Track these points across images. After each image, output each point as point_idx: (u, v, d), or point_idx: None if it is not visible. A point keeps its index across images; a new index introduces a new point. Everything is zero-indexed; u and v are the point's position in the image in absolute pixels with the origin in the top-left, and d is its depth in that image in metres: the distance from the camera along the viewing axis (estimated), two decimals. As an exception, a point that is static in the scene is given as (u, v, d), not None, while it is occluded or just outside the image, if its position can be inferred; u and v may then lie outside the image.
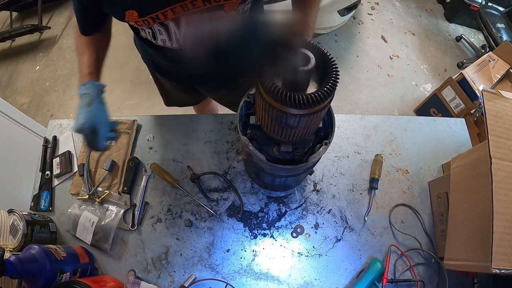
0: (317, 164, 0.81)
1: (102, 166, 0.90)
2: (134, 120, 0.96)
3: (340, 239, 0.82)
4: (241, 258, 0.80)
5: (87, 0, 0.64)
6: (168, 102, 1.19)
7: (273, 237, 0.83)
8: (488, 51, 2.03)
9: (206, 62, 0.73)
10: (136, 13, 0.59)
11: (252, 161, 0.67)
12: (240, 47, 0.68)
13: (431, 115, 2.06)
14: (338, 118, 0.95)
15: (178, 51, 0.70)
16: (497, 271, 0.53)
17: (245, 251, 0.81)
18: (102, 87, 0.69)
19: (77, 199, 0.88)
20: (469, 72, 1.81)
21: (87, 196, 0.87)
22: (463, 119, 0.99)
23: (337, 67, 0.48)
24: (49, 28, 2.70)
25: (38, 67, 2.55)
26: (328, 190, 0.88)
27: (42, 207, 0.88)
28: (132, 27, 0.69)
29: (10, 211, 0.78)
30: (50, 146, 0.96)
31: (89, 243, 0.82)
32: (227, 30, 0.66)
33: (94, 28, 0.73)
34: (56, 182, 0.92)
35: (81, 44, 0.73)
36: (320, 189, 0.88)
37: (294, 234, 0.83)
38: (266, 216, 0.85)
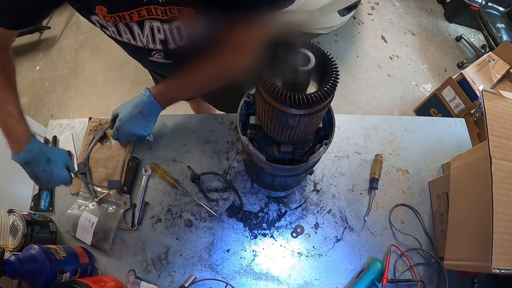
0: (317, 164, 0.81)
1: (102, 166, 0.90)
2: (134, 120, 0.96)
3: (340, 239, 0.82)
4: (241, 258, 0.80)
5: None
6: None
7: (273, 237, 0.83)
8: (488, 51, 2.03)
9: (170, 62, 0.78)
10: (105, 8, 0.62)
11: (252, 161, 0.67)
12: (200, 56, 0.70)
13: (431, 115, 2.06)
14: (338, 118, 0.95)
15: (142, 48, 0.74)
16: (497, 271, 0.53)
17: (245, 251, 0.81)
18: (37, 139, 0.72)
19: (71, 193, 0.88)
20: (469, 72, 1.81)
21: (80, 188, 0.86)
22: (463, 119, 0.99)
23: (337, 67, 0.48)
24: (49, 28, 2.70)
25: (38, 67, 2.55)
26: (328, 190, 0.88)
27: (42, 207, 0.88)
28: (99, 26, 0.70)
29: (10, 211, 0.78)
30: (50, 146, 0.96)
31: (89, 244, 0.82)
32: (187, 38, 0.70)
33: (32, 18, 0.70)
34: (56, 182, 0.92)
35: None
36: (320, 189, 0.88)
37: (294, 234, 0.83)
38: (266, 216, 0.85)
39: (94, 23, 0.69)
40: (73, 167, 0.80)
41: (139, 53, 0.78)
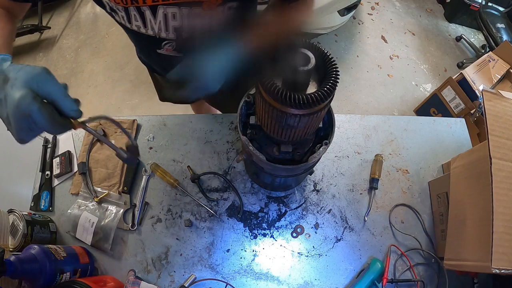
0: (317, 164, 0.81)
1: (102, 166, 0.90)
2: (134, 120, 0.96)
3: (340, 239, 0.82)
4: (241, 258, 0.80)
5: None
6: (161, 97, 1.18)
7: (273, 237, 0.83)
8: (488, 51, 2.03)
9: (180, 56, 0.72)
10: None
11: (252, 161, 0.67)
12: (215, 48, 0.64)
13: (431, 115, 2.06)
14: (338, 118, 0.95)
15: (153, 38, 0.69)
16: (497, 271, 0.53)
17: (245, 251, 0.81)
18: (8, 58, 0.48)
19: (71, 193, 0.88)
20: (469, 72, 1.81)
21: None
22: (463, 119, 0.99)
23: (337, 67, 0.48)
24: (49, 28, 2.70)
25: (38, 67, 2.55)
26: (328, 190, 0.88)
27: (42, 207, 0.88)
28: (107, 10, 0.66)
29: (10, 211, 0.78)
30: (50, 146, 0.96)
31: (89, 244, 0.82)
32: (203, 28, 0.65)
33: None
34: (56, 182, 0.92)
35: None
36: (320, 189, 0.88)
37: (294, 234, 0.83)
38: (266, 216, 0.85)
39: (104, 6, 0.64)
40: (66, 100, 0.45)
41: (148, 44, 0.72)
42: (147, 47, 0.76)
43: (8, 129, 0.46)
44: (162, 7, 0.61)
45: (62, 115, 0.45)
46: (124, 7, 0.61)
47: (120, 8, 0.62)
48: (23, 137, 0.45)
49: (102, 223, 0.83)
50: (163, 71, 0.95)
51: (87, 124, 0.50)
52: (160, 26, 0.65)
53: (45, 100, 0.43)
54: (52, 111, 0.44)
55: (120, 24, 0.69)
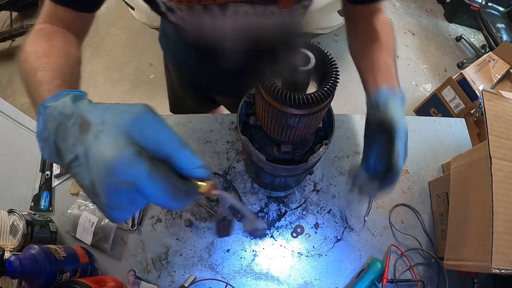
0: (317, 164, 0.81)
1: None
2: (134, 120, 0.96)
3: (340, 239, 0.82)
4: (241, 258, 0.80)
5: None
6: (174, 108, 1.17)
7: (273, 237, 0.83)
8: (488, 51, 2.03)
9: (239, 59, 0.62)
10: None
11: (252, 161, 0.67)
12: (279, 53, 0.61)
13: (431, 115, 2.06)
14: (338, 118, 0.95)
15: (213, 39, 0.61)
16: (497, 271, 0.54)
17: (245, 251, 0.81)
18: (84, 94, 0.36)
19: (71, 193, 0.88)
20: (469, 72, 1.82)
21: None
22: (463, 119, 0.99)
23: (337, 67, 0.48)
24: (49, 28, 2.70)
25: (38, 67, 2.55)
26: (328, 190, 0.88)
27: (42, 207, 0.88)
28: (160, 10, 0.58)
29: (10, 211, 0.78)
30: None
31: (90, 244, 0.82)
32: (272, 30, 0.59)
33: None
34: (56, 182, 0.92)
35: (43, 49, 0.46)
36: (320, 189, 0.88)
37: (294, 234, 0.83)
38: (266, 216, 0.85)
39: (158, 6, 0.55)
40: (186, 154, 0.30)
41: (207, 51, 0.64)
42: (205, 55, 0.67)
43: (92, 201, 0.29)
44: (234, 5, 0.52)
45: (182, 177, 0.30)
46: (187, 6, 0.52)
47: (182, 7, 0.53)
48: (119, 217, 0.29)
49: (102, 223, 0.83)
50: (216, 82, 0.84)
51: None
52: (228, 26, 0.56)
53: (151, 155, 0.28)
54: (169, 173, 0.28)
55: (175, 24, 0.58)
